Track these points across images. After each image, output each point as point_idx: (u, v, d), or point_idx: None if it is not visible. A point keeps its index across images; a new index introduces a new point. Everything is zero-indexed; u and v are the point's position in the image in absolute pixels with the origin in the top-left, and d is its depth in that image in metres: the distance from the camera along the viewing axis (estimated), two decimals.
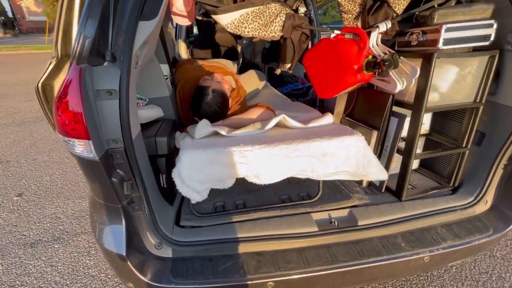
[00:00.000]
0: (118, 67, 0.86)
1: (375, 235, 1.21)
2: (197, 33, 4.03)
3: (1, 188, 2.52)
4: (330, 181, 1.53)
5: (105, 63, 0.85)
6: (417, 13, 1.23)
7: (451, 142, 1.46)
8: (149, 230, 1.07)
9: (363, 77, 1.25)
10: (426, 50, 1.19)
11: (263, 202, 1.40)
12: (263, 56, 3.58)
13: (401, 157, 1.40)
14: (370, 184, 1.54)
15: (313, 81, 1.46)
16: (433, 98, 1.29)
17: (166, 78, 1.55)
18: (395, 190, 1.43)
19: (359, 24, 1.36)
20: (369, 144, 1.30)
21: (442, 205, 1.33)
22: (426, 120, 1.58)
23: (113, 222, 1.01)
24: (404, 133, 1.36)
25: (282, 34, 1.27)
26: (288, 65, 1.47)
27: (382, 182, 1.47)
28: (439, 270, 1.65)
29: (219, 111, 1.46)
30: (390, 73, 1.22)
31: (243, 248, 1.13)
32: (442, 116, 1.53)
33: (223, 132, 1.28)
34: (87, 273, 1.66)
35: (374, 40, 1.28)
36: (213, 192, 1.22)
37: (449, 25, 1.10)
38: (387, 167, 1.41)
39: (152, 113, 1.39)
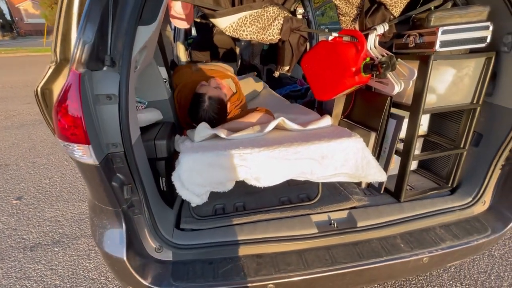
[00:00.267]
0: (117, 71, 0.86)
1: (374, 237, 1.21)
2: (196, 35, 4.03)
3: (0, 192, 2.51)
4: (329, 183, 1.53)
5: (105, 68, 0.86)
6: (414, 15, 1.24)
7: (449, 143, 1.47)
8: (149, 234, 1.07)
9: (361, 79, 1.25)
10: (423, 52, 1.20)
11: (263, 205, 1.40)
12: (262, 58, 3.59)
13: (399, 158, 1.40)
14: (369, 185, 1.54)
15: (311, 83, 1.47)
16: (430, 99, 1.30)
17: (165, 81, 1.55)
18: (394, 191, 1.43)
19: (357, 27, 1.37)
20: (367, 145, 1.31)
21: (441, 205, 1.34)
22: (424, 121, 1.59)
23: (113, 226, 1.01)
24: (402, 134, 1.37)
25: (280, 37, 1.27)
26: (287, 68, 1.48)
27: (381, 184, 1.47)
28: (438, 270, 1.65)
29: (216, 117, 1.46)
30: (388, 75, 1.23)
31: (243, 251, 1.14)
32: (440, 117, 1.53)
33: (222, 135, 1.28)
34: (87, 276, 1.66)
35: (371, 42, 1.29)
36: (213, 195, 1.22)
37: (445, 28, 1.11)
38: (385, 168, 1.42)
39: (151, 116, 1.39)
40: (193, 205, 1.19)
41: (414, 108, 1.26)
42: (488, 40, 1.16)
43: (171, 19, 1.48)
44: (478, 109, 1.31)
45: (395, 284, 1.56)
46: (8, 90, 6.38)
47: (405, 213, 1.29)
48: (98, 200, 1.03)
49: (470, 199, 1.36)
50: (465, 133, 1.37)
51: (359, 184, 1.55)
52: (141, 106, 1.41)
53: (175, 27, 3.08)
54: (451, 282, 1.58)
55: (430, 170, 1.65)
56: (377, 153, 1.44)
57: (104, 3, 0.83)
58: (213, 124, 1.44)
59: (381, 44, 1.35)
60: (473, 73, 1.26)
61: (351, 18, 1.38)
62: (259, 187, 1.17)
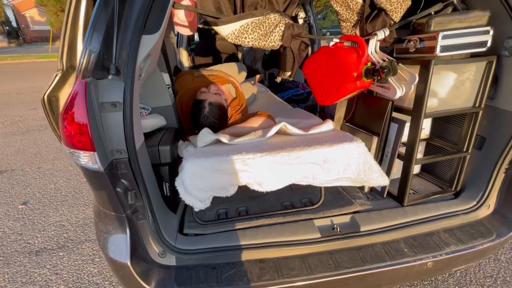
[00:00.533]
0: (122, 80, 0.88)
1: (377, 241, 1.21)
2: (198, 40, 4.09)
3: (6, 197, 2.55)
4: (332, 187, 1.54)
5: (110, 76, 0.88)
6: (414, 20, 1.25)
7: (452, 146, 1.46)
8: (153, 239, 1.08)
9: (362, 84, 1.26)
10: (423, 57, 1.21)
11: (266, 209, 1.41)
12: (264, 63, 3.62)
13: (402, 162, 1.40)
14: (372, 189, 1.54)
15: (313, 88, 1.48)
16: (432, 103, 1.30)
17: (168, 87, 1.57)
18: (397, 195, 1.43)
19: (358, 32, 1.39)
20: (369, 149, 1.31)
21: (445, 209, 1.34)
22: (427, 125, 1.59)
23: (117, 231, 1.02)
24: (405, 138, 1.37)
25: (281, 43, 1.29)
26: (289, 73, 1.49)
27: (383, 188, 1.47)
28: (443, 275, 1.64)
29: (217, 123, 1.48)
30: (389, 79, 1.24)
31: (246, 256, 1.14)
32: (443, 121, 1.53)
33: (224, 140, 1.29)
34: (91, 281, 1.67)
35: (372, 47, 1.30)
36: (216, 200, 1.23)
37: (445, 32, 1.12)
38: (388, 172, 1.42)
39: (155, 122, 1.41)
40: (196, 210, 1.20)
41: (416, 112, 1.26)
42: (489, 44, 1.17)
43: (175, 26, 1.51)
44: (481, 112, 1.31)
45: None
46: (14, 96, 6.48)
47: (408, 217, 1.29)
48: (103, 206, 1.05)
49: (474, 203, 1.36)
50: (468, 137, 1.37)
51: (362, 188, 1.55)
52: (145, 112, 1.43)
53: (178, 33, 3.13)
54: (457, 287, 1.56)
55: (433, 174, 1.64)
56: (380, 157, 1.44)
57: (110, 14, 0.85)
58: (215, 130, 1.45)
59: (382, 49, 1.37)
60: (474, 77, 1.27)
61: (352, 24, 1.39)
62: (261, 192, 1.18)
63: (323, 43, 3.08)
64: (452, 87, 1.29)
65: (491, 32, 1.15)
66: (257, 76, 2.76)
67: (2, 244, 1.97)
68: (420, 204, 1.38)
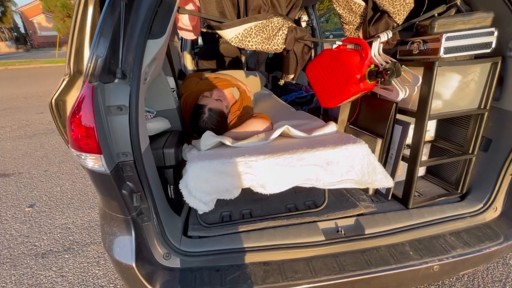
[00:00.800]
0: (128, 84, 0.90)
1: (382, 244, 1.20)
2: (202, 44, 4.13)
3: (13, 199, 2.59)
4: (336, 189, 1.53)
5: (116, 80, 0.90)
6: (417, 22, 1.26)
7: (457, 148, 1.45)
8: (158, 241, 1.08)
9: (365, 86, 1.27)
10: (427, 59, 1.20)
11: (270, 212, 1.41)
12: (267, 66, 3.64)
13: (406, 164, 1.40)
14: (377, 192, 1.53)
15: (317, 90, 1.48)
16: (436, 105, 1.29)
17: (173, 91, 1.59)
18: (402, 198, 1.42)
19: (361, 35, 1.39)
20: (374, 152, 1.31)
21: (451, 212, 1.32)
22: (431, 127, 1.58)
23: (123, 233, 1.03)
24: (409, 140, 1.36)
25: (284, 46, 1.30)
26: (292, 76, 1.50)
27: (388, 190, 1.46)
28: (451, 279, 1.61)
29: (215, 129, 1.48)
30: (393, 81, 1.24)
31: (250, 258, 1.14)
32: (448, 123, 1.52)
33: (227, 143, 1.30)
34: (96, 283, 1.68)
35: (375, 49, 1.31)
36: (220, 202, 1.23)
37: (449, 34, 1.12)
38: (392, 174, 1.41)
39: (160, 125, 1.42)
40: (200, 212, 1.20)
41: (420, 114, 1.26)
42: (493, 45, 1.16)
43: (179, 31, 1.53)
44: (486, 114, 1.30)
45: None
46: (22, 101, 6.60)
47: (413, 220, 1.28)
48: (108, 208, 1.06)
49: (481, 205, 1.34)
50: (474, 138, 1.36)
51: (366, 190, 1.54)
52: (150, 115, 1.45)
53: (182, 37, 3.16)
54: None
55: (439, 176, 1.63)
56: (384, 159, 1.44)
57: (116, 20, 0.87)
58: (216, 128, 1.46)
59: (386, 51, 1.37)
60: (479, 78, 1.26)
61: (355, 27, 1.40)
62: (265, 194, 1.18)
63: (326, 46, 3.09)
64: (456, 89, 1.28)
65: (496, 33, 1.15)
66: None
67: (9, 246, 2.00)
68: (425, 207, 1.37)
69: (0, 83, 9.37)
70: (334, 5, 1.37)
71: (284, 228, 1.26)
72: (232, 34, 1.26)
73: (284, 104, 2.16)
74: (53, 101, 1.13)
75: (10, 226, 2.22)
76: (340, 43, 1.37)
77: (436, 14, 1.24)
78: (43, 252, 1.94)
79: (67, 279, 1.72)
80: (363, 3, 1.31)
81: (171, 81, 1.62)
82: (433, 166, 1.66)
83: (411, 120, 1.33)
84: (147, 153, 1.05)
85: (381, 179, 1.23)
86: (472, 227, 1.29)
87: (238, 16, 1.26)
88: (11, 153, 3.63)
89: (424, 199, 1.43)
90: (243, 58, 3.66)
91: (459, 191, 1.45)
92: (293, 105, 2.67)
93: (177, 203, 1.32)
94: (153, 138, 1.32)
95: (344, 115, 1.68)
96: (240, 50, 3.58)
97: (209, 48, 3.59)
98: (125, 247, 1.02)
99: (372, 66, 1.25)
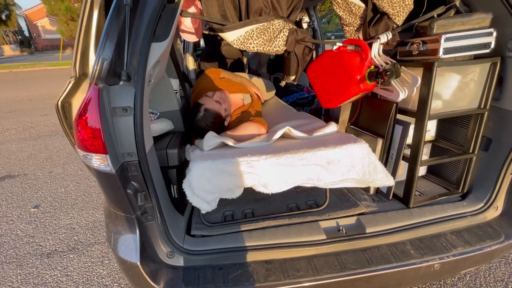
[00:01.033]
0: (133, 85, 0.92)
1: (383, 243, 1.21)
2: (204, 46, 4.16)
3: (19, 200, 2.62)
4: (337, 189, 1.55)
5: (121, 83, 0.92)
6: (417, 23, 1.27)
7: (457, 148, 1.46)
8: (162, 239, 1.10)
9: (366, 86, 1.28)
10: (427, 59, 1.22)
11: (271, 211, 1.42)
12: (268, 67, 3.66)
13: (407, 164, 1.41)
14: (378, 191, 1.54)
15: (317, 91, 1.50)
16: (436, 105, 1.31)
17: (176, 92, 1.62)
18: (403, 197, 1.43)
19: (361, 36, 1.41)
20: (374, 151, 1.32)
21: (451, 211, 1.33)
22: (432, 127, 1.59)
23: (127, 231, 1.05)
24: (410, 140, 1.38)
25: (285, 48, 1.32)
26: (293, 77, 1.52)
27: (389, 189, 1.47)
28: (453, 278, 1.62)
29: (207, 129, 1.49)
30: (393, 82, 1.25)
31: (252, 257, 1.16)
32: (448, 123, 1.53)
33: (230, 143, 1.32)
34: (101, 283, 1.71)
35: (375, 50, 1.32)
36: (222, 202, 1.25)
37: (448, 35, 1.13)
38: (393, 174, 1.42)
39: (163, 126, 1.45)
40: (203, 212, 1.22)
41: (420, 114, 1.27)
42: (493, 46, 1.17)
43: (181, 33, 1.56)
44: (486, 113, 1.31)
45: None
46: (26, 103, 6.67)
47: (414, 219, 1.29)
48: (113, 207, 1.08)
49: (482, 204, 1.35)
50: (474, 138, 1.37)
51: (367, 190, 1.55)
52: (154, 117, 1.48)
53: (184, 40, 3.20)
54: None
55: (440, 176, 1.63)
56: (385, 159, 1.45)
57: (121, 24, 0.90)
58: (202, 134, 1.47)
59: (386, 52, 1.38)
60: (478, 78, 1.27)
61: (355, 28, 1.42)
62: (267, 194, 1.20)
63: (328, 47, 3.10)
64: (456, 89, 1.29)
65: (495, 34, 1.16)
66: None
67: (15, 247, 2.03)
68: (426, 206, 1.38)
69: (5, 86, 9.48)
70: (334, 7, 1.39)
71: (285, 227, 1.27)
72: (234, 37, 1.29)
73: (286, 105, 2.18)
74: (59, 103, 1.16)
75: (16, 226, 2.25)
76: (341, 44, 1.39)
77: (435, 15, 1.25)
78: (48, 252, 1.97)
79: (72, 279, 1.74)
80: (363, 5, 1.33)
81: (174, 83, 1.65)
82: (434, 166, 1.67)
83: (412, 120, 1.34)
84: (151, 153, 1.07)
85: (382, 178, 1.24)
86: (473, 226, 1.29)
87: (240, 19, 1.28)
88: (16, 155, 3.68)
89: (425, 199, 1.44)
90: (245, 60, 3.68)
91: (460, 191, 1.46)
92: (295, 106, 2.69)
93: (180, 202, 1.34)
94: (156, 139, 1.35)
95: (345, 115, 1.69)
96: (242, 52, 3.61)
97: (211, 51, 3.62)
98: (129, 245, 1.04)
99: (372, 67, 1.27)
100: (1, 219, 2.36)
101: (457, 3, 1.23)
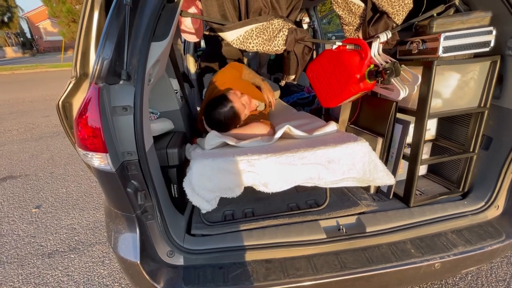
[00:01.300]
0: (133, 85, 0.93)
1: (383, 242, 1.21)
2: (205, 47, 4.17)
3: (20, 201, 2.63)
4: (337, 188, 1.55)
5: (121, 82, 0.92)
6: (416, 22, 1.27)
7: (458, 147, 1.46)
8: (162, 239, 1.11)
9: (365, 85, 1.28)
10: (426, 58, 1.22)
11: (272, 211, 1.42)
12: (269, 67, 3.67)
13: (408, 163, 1.40)
14: (378, 190, 1.54)
15: (317, 91, 1.50)
16: (436, 104, 1.30)
17: (176, 92, 1.62)
18: (403, 196, 1.43)
19: (360, 35, 1.41)
20: (374, 151, 1.31)
21: (452, 210, 1.32)
22: (432, 126, 1.58)
23: (127, 230, 1.06)
24: (410, 139, 1.37)
25: (285, 47, 1.32)
26: (292, 77, 1.52)
27: (389, 189, 1.47)
28: (454, 278, 1.61)
29: (223, 123, 1.49)
30: (393, 81, 1.25)
31: (252, 256, 1.16)
32: (448, 122, 1.53)
33: (231, 143, 1.33)
34: (101, 283, 1.71)
35: (375, 49, 1.32)
36: (223, 201, 1.25)
37: (448, 34, 1.13)
38: (393, 173, 1.42)
39: (164, 126, 1.45)
40: (203, 211, 1.22)
41: (420, 113, 1.27)
42: (492, 44, 1.17)
43: (182, 34, 1.56)
44: (486, 112, 1.31)
45: None
46: (28, 104, 6.70)
47: (415, 218, 1.28)
48: (114, 206, 1.09)
49: (483, 203, 1.34)
50: (474, 137, 1.36)
51: (367, 189, 1.55)
52: (154, 116, 1.48)
53: (185, 40, 3.21)
54: None
55: (440, 175, 1.63)
56: (385, 158, 1.45)
57: (121, 23, 0.90)
58: (218, 127, 1.48)
59: (386, 51, 1.38)
60: (478, 77, 1.27)
61: (355, 27, 1.42)
62: (267, 193, 1.20)
63: (328, 46, 3.10)
64: (456, 87, 1.29)
65: (494, 32, 1.16)
66: None
67: (16, 247, 2.03)
68: (427, 205, 1.37)
69: (7, 87, 9.54)
70: (334, 7, 1.39)
71: (285, 226, 1.27)
72: (233, 36, 1.29)
73: (286, 105, 2.18)
74: (60, 103, 1.17)
75: (17, 226, 2.26)
76: (340, 43, 1.39)
77: (435, 14, 1.25)
78: (49, 252, 1.97)
79: (72, 278, 1.75)
80: (362, 4, 1.33)
81: (174, 83, 1.65)
82: (435, 165, 1.67)
83: (412, 119, 1.34)
84: (151, 152, 1.07)
85: (383, 177, 1.24)
86: (473, 225, 1.29)
87: (240, 19, 1.28)
88: (18, 156, 3.69)
89: (426, 198, 1.43)
90: (245, 61, 3.69)
91: (460, 190, 1.46)
92: (295, 106, 2.69)
93: (180, 202, 1.34)
94: (157, 139, 1.35)
95: (345, 115, 1.69)
96: (242, 52, 3.62)
97: (212, 51, 3.63)
98: (130, 244, 1.05)
99: (372, 66, 1.27)
100: (2, 219, 2.37)
101: (457, 1, 1.23)
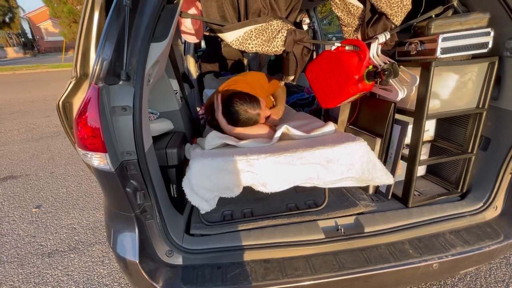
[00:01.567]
0: (132, 85, 0.93)
1: (382, 242, 1.21)
2: (205, 48, 4.19)
3: (21, 200, 2.64)
4: (336, 189, 1.55)
5: (120, 82, 0.93)
6: (415, 23, 1.28)
7: (456, 148, 1.46)
8: (161, 238, 1.11)
9: (364, 86, 1.29)
10: (425, 59, 1.22)
11: (271, 211, 1.43)
12: (269, 68, 3.68)
13: (406, 163, 1.41)
14: (377, 191, 1.54)
15: (316, 91, 1.51)
16: (434, 105, 1.31)
17: (176, 93, 1.63)
18: (402, 197, 1.43)
19: (359, 36, 1.42)
20: (373, 151, 1.32)
21: (450, 211, 1.33)
22: (431, 127, 1.59)
23: (127, 230, 1.06)
24: (408, 140, 1.38)
25: (284, 48, 1.33)
26: (292, 77, 1.53)
27: (388, 189, 1.47)
28: (453, 279, 1.61)
29: (239, 121, 1.47)
30: (391, 81, 1.26)
31: (251, 256, 1.16)
32: (447, 122, 1.53)
33: (231, 142, 1.33)
34: (101, 282, 1.71)
35: (374, 50, 1.33)
36: (222, 202, 1.25)
37: (446, 35, 1.14)
38: (392, 173, 1.42)
39: (163, 126, 1.46)
40: (202, 212, 1.23)
41: (418, 113, 1.27)
42: (490, 45, 1.18)
43: (182, 34, 1.57)
44: (484, 113, 1.31)
45: None
46: (29, 105, 6.72)
47: (413, 219, 1.28)
48: (113, 206, 1.09)
49: (481, 204, 1.34)
50: (473, 138, 1.37)
51: (366, 190, 1.55)
52: (153, 117, 1.49)
53: (185, 41, 3.22)
54: None
55: (439, 176, 1.63)
56: (383, 158, 1.45)
57: (121, 24, 0.91)
58: (230, 121, 1.47)
59: (384, 52, 1.39)
60: (476, 78, 1.27)
61: (353, 29, 1.42)
62: (266, 193, 1.21)
63: (327, 47, 3.11)
64: (454, 88, 1.30)
65: (492, 34, 1.16)
66: None
67: (16, 246, 2.04)
68: (425, 206, 1.38)
69: (8, 88, 9.56)
70: (333, 8, 1.40)
71: (284, 226, 1.28)
72: (233, 37, 1.30)
73: (286, 106, 2.18)
74: (60, 103, 1.18)
75: (17, 226, 2.27)
76: (339, 44, 1.40)
77: (433, 16, 1.26)
78: (49, 251, 1.98)
79: (72, 278, 1.75)
80: (361, 5, 1.34)
81: (174, 84, 1.66)
82: (433, 166, 1.67)
83: (410, 120, 1.35)
84: (150, 152, 1.08)
85: (382, 176, 1.24)
86: (472, 225, 1.29)
87: (239, 20, 1.29)
88: (19, 156, 3.71)
89: (424, 198, 1.44)
90: (245, 61, 3.70)
91: (459, 190, 1.46)
92: (295, 106, 2.70)
93: (179, 202, 1.35)
94: (156, 139, 1.36)
95: (344, 115, 1.70)
96: (243, 53, 3.63)
97: (212, 52, 3.64)
98: (129, 243, 1.05)
99: (371, 67, 1.27)
100: (3, 219, 2.38)
101: (455, 3, 1.24)
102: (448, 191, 1.51)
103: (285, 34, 1.30)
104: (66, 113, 1.20)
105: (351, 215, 1.35)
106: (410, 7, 1.26)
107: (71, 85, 1.20)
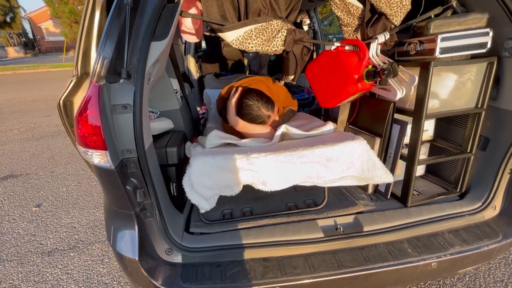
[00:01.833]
0: (133, 83, 0.94)
1: (381, 241, 1.22)
2: (205, 48, 4.19)
3: (21, 199, 2.65)
4: (335, 188, 1.56)
5: (121, 80, 0.94)
6: (414, 24, 1.28)
7: (455, 147, 1.46)
8: (160, 236, 1.11)
9: (363, 86, 1.29)
10: (424, 59, 1.23)
11: (270, 210, 1.43)
12: (269, 68, 3.68)
13: (405, 163, 1.41)
14: (376, 190, 1.55)
15: (316, 91, 1.51)
16: (433, 104, 1.31)
17: (176, 92, 1.64)
18: (401, 196, 1.43)
19: (359, 36, 1.42)
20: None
21: (449, 210, 1.33)
22: (430, 127, 1.59)
23: (126, 227, 1.07)
24: (407, 139, 1.38)
25: (284, 48, 1.34)
26: (291, 77, 1.53)
27: (387, 188, 1.48)
28: (452, 278, 1.61)
29: (250, 116, 1.47)
30: (390, 81, 1.27)
31: (250, 254, 1.16)
32: (446, 122, 1.54)
33: (232, 142, 1.34)
34: (100, 281, 1.72)
35: (373, 50, 1.33)
36: (222, 200, 1.26)
37: (445, 35, 1.14)
38: (391, 173, 1.42)
39: (163, 125, 1.46)
40: (202, 211, 1.23)
41: (417, 113, 1.28)
42: (489, 45, 1.18)
43: (182, 34, 1.58)
44: (483, 113, 1.31)
45: None
46: (30, 104, 6.73)
47: (412, 218, 1.29)
48: (113, 203, 1.10)
49: (480, 204, 1.35)
50: (472, 138, 1.37)
51: (365, 189, 1.56)
52: (154, 116, 1.50)
53: (185, 41, 3.23)
54: None
55: (438, 175, 1.64)
56: (383, 158, 1.46)
57: (122, 23, 0.92)
58: (240, 114, 1.47)
59: (384, 52, 1.39)
60: (475, 78, 1.28)
61: (353, 29, 1.43)
62: (266, 192, 1.21)
63: (327, 47, 3.12)
64: (453, 88, 1.30)
65: (491, 34, 1.17)
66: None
67: (16, 245, 2.05)
68: (424, 205, 1.38)
69: (9, 87, 9.58)
70: (333, 8, 1.41)
71: (284, 225, 1.28)
72: (233, 37, 1.30)
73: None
74: (61, 101, 1.18)
75: (17, 225, 2.27)
76: (339, 44, 1.40)
77: (432, 16, 1.27)
78: (49, 250, 1.98)
79: (72, 277, 1.76)
80: (361, 5, 1.34)
81: (174, 83, 1.67)
82: (433, 166, 1.67)
83: (409, 120, 1.35)
84: (150, 150, 1.09)
85: (381, 175, 1.24)
86: (470, 225, 1.30)
87: (239, 19, 1.30)
88: (19, 155, 3.71)
89: (423, 198, 1.44)
90: (245, 61, 3.71)
91: (458, 190, 1.46)
92: None
93: (179, 200, 1.35)
94: (156, 138, 1.36)
95: (344, 115, 1.70)
96: (243, 53, 3.64)
97: (212, 51, 3.65)
98: (128, 241, 1.05)
99: (370, 66, 1.28)
100: (3, 217, 2.38)
101: (454, 3, 1.24)
102: (447, 190, 1.51)
103: (285, 34, 1.30)
104: (67, 112, 1.21)
105: (350, 214, 1.35)
106: (409, 7, 1.27)
107: (72, 83, 1.20)
